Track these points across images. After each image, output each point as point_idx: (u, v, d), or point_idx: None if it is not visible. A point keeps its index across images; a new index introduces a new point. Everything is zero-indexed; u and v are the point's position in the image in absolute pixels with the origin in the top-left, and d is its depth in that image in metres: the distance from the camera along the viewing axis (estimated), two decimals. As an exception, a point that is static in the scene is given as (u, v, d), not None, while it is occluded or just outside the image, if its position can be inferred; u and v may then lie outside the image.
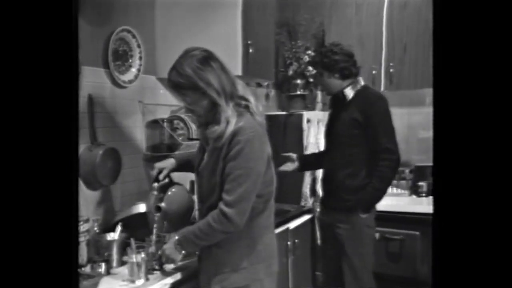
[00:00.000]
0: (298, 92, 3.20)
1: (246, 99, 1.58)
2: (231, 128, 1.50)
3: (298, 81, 3.22)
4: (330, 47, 2.33)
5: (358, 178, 2.27)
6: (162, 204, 1.73)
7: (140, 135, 2.30)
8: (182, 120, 2.33)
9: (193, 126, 2.27)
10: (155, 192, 1.76)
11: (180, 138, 2.31)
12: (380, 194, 2.26)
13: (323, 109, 3.32)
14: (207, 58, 1.53)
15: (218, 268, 1.59)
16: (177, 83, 1.52)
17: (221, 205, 1.51)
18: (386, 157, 2.21)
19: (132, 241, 1.68)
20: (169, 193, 1.76)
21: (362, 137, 2.25)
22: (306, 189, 3.04)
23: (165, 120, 2.31)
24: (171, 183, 1.81)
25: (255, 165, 1.52)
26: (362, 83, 2.34)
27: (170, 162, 1.82)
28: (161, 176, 1.77)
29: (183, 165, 1.83)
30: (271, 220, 1.68)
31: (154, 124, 2.33)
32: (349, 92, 2.30)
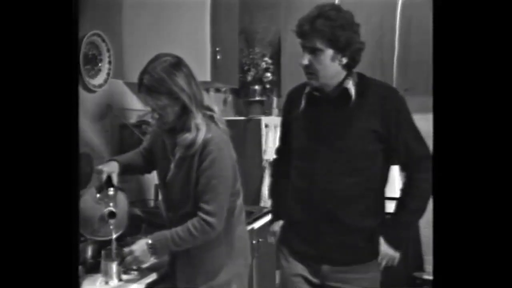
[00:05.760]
0: (257, 98, 3.30)
1: (210, 109, 1.63)
2: (201, 135, 1.54)
3: (256, 87, 3.32)
4: (351, 17, 1.52)
5: (379, 213, 1.64)
6: (114, 209, 1.65)
7: (109, 140, 2.29)
8: (149, 125, 2.33)
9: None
10: (110, 202, 1.66)
11: (149, 142, 2.30)
12: (420, 216, 1.62)
13: (279, 115, 3.43)
14: (179, 64, 1.57)
15: (199, 267, 1.64)
16: (150, 86, 1.52)
17: (203, 215, 1.55)
18: (423, 167, 1.53)
19: (113, 242, 1.67)
20: (118, 197, 1.70)
21: (381, 154, 1.58)
22: (265, 190, 3.14)
23: (133, 125, 2.31)
24: (112, 186, 1.72)
25: (227, 172, 1.60)
26: (353, 70, 1.60)
27: (114, 166, 1.72)
28: (114, 181, 1.68)
29: (124, 170, 1.77)
30: (243, 215, 1.77)
31: (123, 129, 2.32)
32: (351, 87, 1.57)
